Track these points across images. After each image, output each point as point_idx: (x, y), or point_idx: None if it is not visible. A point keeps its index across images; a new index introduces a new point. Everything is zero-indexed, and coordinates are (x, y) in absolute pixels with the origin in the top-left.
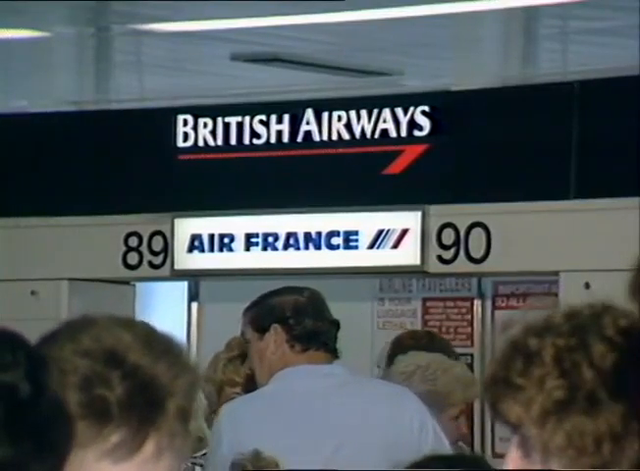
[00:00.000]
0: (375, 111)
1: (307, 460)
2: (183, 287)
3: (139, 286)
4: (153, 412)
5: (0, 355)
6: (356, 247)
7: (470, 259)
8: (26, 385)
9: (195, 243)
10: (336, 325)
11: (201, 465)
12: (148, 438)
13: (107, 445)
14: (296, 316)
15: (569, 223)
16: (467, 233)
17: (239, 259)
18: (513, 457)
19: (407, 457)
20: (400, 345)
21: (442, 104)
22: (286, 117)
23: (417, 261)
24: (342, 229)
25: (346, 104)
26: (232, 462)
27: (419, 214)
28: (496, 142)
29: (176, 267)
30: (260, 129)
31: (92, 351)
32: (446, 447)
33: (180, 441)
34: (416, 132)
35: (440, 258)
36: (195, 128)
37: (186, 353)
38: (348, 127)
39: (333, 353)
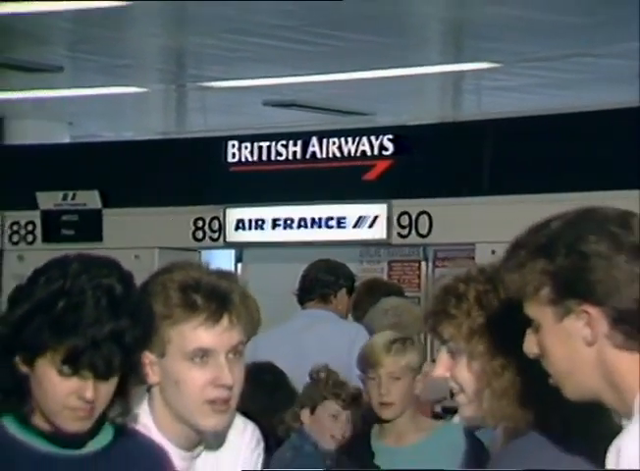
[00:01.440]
0: (357, 138)
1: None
2: (231, 253)
3: (203, 252)
4: (224, 301)
5: (103, 269)
6: (345, 227)
7: (419, 235)
8: (119, 285)
9: (239, 225)
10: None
11: None
12: (223, 316)
13: (199, 320)
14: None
15: (482, 211)
16: (417, 218)
17: (267, 235)
18: (444, 359)
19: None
20: (373, 289)
21: (401, 134)
22: (299, 142)
23: (384, 236)
24: (335, 215)
25: (338, 133)
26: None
27: (385, 206)
28: (436, 160)
29: (227, 240)
30: (282, 150)
31: (182, 275)
32: None
33: (243, 319)
34: (384, 152)
35: (399, 234)
36: (240, 149)
37: (236, 276)
38: (340, 148)
39: (326, 301)
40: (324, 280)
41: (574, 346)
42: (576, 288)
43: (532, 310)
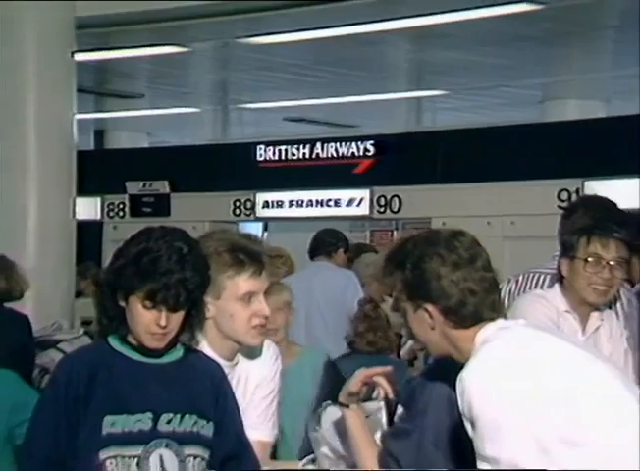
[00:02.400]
0: (348, 143)
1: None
2: (259, 225)
3: (240, 224)
4: (261, 260)
5: (174, 235)
6: (340, 206)
7: (392, 212)
8: (185, 247)
9: (265, 205)
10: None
11: None
12: (262, 270)
13: (248, 274)
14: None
15: (436, 195)
16: (390, 199)
17: (285, 212)
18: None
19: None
20: (360, 249)
21: (379, 140)
22: (307, 146)
23: (367, 212)
24: (333, 198)
25: (335, 140)
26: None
27: (368, 191)
28: (404, 159)
29: (257, 215)
30: (295, 151)
31: (227, 240)
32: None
33: (269, 269)
34: (367, 154)
35: (378, 211)
36: (266, 151)
37: (261, 240)
38: (336, 151)
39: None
40: (327, 241)
41: (425, 328)
42: (419, 293)
43: (399, 302)
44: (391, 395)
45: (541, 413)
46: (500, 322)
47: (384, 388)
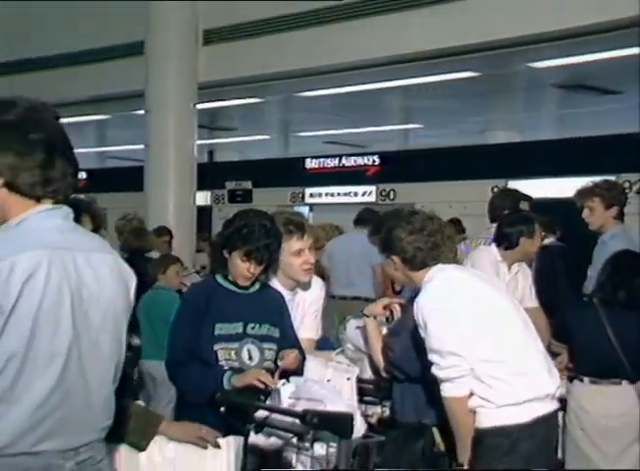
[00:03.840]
0: (363, 157)
1: None
2: (307, 208)
3: (295, 208)
4: (304, 228)
5: (261, 215)
6: (357, 196)
7: (390, 200)
8: (268, 223)
9: (310, 195)
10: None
11: None
12: (305, 235)
13: (297, 238)
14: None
15: (418, 188)
16: (389, 192)
17: (323, 200)
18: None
19: None
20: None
21: (382, 156)
22: (337, 158)
23: (374, 200)
24: (352, 191)
25: (354, 155)
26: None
27: (375, 187)
28: (397, 168)
29: (305, 201)
30: (329, 162)
31: (283, 216)
32: None
33: (310, 235)
34: (374, 164)
35: (381, 199)
36: (312, 162)
37: (303, 215)
38: (355, 161)
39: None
40: (362, 218)
41: (392, 270)
42: (387, 249)
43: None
44: (398, 316)
45: (455, 320)
46: (439, 266)
47: (396, 311)
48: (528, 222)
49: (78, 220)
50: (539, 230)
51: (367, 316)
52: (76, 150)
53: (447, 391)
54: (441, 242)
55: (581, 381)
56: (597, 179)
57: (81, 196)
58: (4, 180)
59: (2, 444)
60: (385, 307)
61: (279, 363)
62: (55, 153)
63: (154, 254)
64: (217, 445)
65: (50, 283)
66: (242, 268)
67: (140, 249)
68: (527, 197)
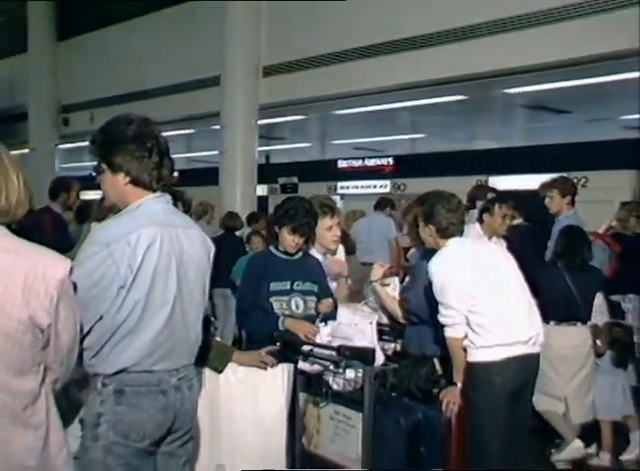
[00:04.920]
0: (381, 159)
1: None
2: (338, 197)
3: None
4: (335, 209)
5: (303, 199)
6: (375, 188)
7: (400, 191)
8: (309, 206)
9: (342, 187)
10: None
11: None
12: (335, 214)
13: (329, 217)
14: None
15: (421, 183)
16: (400, 185)
17: (351, 191)
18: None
19: None
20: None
21: (396, 157)
22: (361, 160)
23: (389, 191)
24: (372, 184)
25: (375, 157)
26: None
27: (390, 181)
28: (406, 167)
29: (337, 192)
30: (356, 163)
31: (318, 199)
32: None
33: (340, 215)
34: (389, 164)
35: (395, 191)
36: (343, 163)
37: (333, 200)
38: (375, 162)
39: (382, 209)
40: (381, 203)
41: (426, 235)
42: (428, 218)
43: (417, 222)
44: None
45: (454, 283)
46: (459, 238)
47: (395, 272)
48: (490, 204)
49: (175, 205)
50: (499, 211)
51: (374, 282)
52: (170, 155)
53: (448, 332)
54: (463, 221)
55: (547, 323)
56: (554, 175)
57: (176, 189)
58: (130, 178)
59: (129, 364)
60: (383, 271)
61: (319, 310)
62: (164, 157)
63: (240, 232)
64: (273, 366)
65: (162, 250)
66: (289, 240)
67: (233, 227)
68: (493, 189)
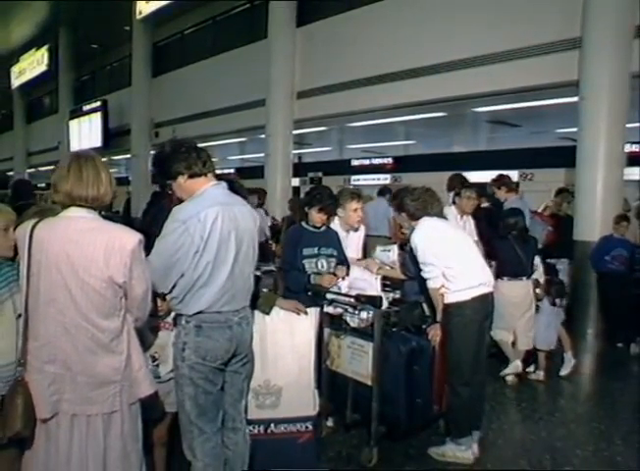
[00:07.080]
0: (383, 159)
1: None
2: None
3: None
4: (360, 196)
5: (326, 188)
6: (379, 180)
7: (398, 182)
8: (330, 191)
9: (356, 181)
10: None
11: None
12: (360, 199)
13: (355, 201)
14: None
15: (415, 177)
16: (397, 178)
17: (361, 183)
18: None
19: None
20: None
21: (395, 158)
22: (369, 160)
23: (389, 182)
24: (376, 178)
25: (378, 157)
26: None
27: (389, 176)
28: (403, 163)
29: (351, 183)
30: (364, 161)
31: (346, 190)
32: None
33: (361, 200)
34: (389, 163)
35: (395, 183)
36: (356, 163)
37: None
38: (379, 161)
39: (383, 196)
40: (383, 191)
41: (403, 220)
42: (399, 208)
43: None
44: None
45: (430, 246)
46: (426, 218)
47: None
48: (459, 190)
49: (238, 193)
50: (467, 195)
51: (366, 267)
52: (230, 157)
53: (429, 284)
54: (429, 204)
55: (502, 279)
56: (503, 172)
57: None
58: (187, 175)
59: (204, 307)
60: (366, 264)
61: (336, 273)
62: (197, 151)
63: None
64: (305, 312)
65: (224, 224)
66: (317, 217)
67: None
68: (465, 179)
